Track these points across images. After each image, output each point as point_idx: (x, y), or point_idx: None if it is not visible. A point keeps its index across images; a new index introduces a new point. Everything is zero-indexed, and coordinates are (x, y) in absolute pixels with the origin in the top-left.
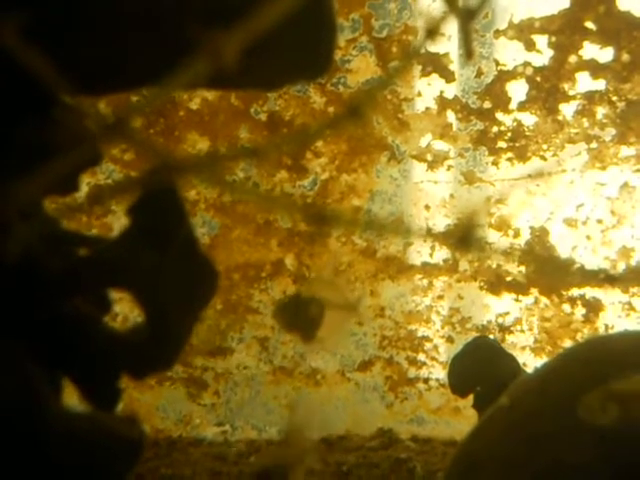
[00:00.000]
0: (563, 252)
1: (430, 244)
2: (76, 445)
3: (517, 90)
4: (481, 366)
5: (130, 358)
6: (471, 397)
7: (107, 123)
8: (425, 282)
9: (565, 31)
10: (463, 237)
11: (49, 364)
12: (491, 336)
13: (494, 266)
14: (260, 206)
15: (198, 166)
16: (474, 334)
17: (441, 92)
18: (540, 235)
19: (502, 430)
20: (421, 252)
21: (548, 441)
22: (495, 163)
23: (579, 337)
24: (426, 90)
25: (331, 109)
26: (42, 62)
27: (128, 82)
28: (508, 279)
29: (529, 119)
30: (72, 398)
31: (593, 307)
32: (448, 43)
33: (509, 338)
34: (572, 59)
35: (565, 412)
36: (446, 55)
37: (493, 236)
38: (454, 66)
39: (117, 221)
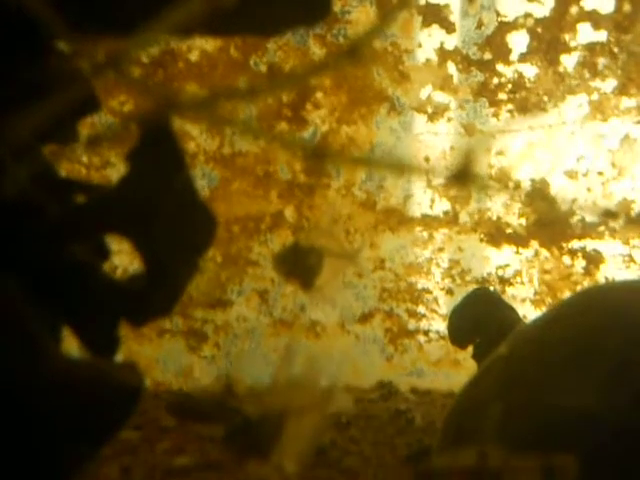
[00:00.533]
0: (563, 204)
1: (430, 196)
2: (75, 392)
3: (518, 41)
4: (480, 318)
5: (128, 305)
6: (471, 349)
7: (102, 63)
8: (425, 234)
9: None
10: (461, 173)
11: (48, 312)
12: (491, 288)
13: (494, 218)
14: (258, 140)
15: (196, 106)
16: (474, 286)
17: (441, 43)
18: (540, 187)
19: (500, 379)
20: (421, 204)
21: (547, 389)
22: (495, 115)
23: (579, 289)
24: (427, 41)
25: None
26: (39, 2)
27: (123, 24)
28: (508, 231)
29: (530, 70)
30: (72, 346)
31: (593, 259)
32: None
33: (509, 290)
34: (573, 10)
35: (564, 360)
36: (447, 6)
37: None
38: (455, 17)
39: (116, 173)
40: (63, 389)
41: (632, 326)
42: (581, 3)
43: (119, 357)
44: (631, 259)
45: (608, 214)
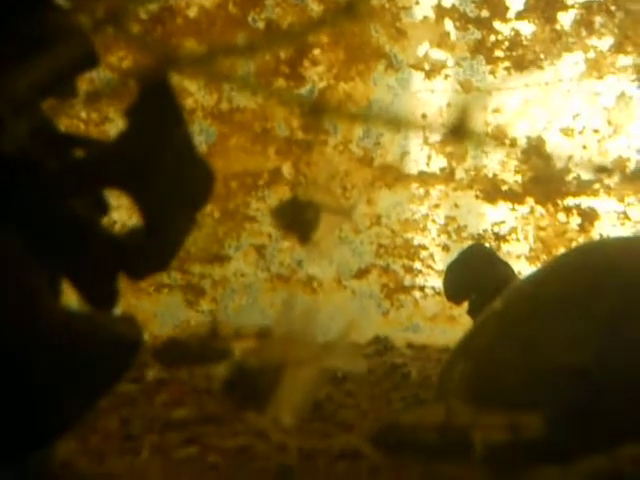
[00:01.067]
0: (559, 161)
1: (427, 152)
2: (74, 343)
3: None
4: (476, 273)
5: (127, 259)
6: (466, 304)
7: (101, 19)
8: (422, 191)
9: None
10: (456, 128)
11: (48, 265)
12: (487, 245)
13: (490, 175)
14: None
15: (194, 61)
16: (470, 243)
17: (439, 1)
18: (536, 144)
19: (495, 334)
20: (418, 161)
21: (541, 344)
22: (492, 72)
23: (574, 246)
24: None
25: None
26: None
27: None
28: (504, 188)
29: (527, 28)
30: (72, 300)
31: (588, 216)
32: None
33: (504, 247)
34: None
35: (559, 315)
36: None
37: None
38: None
39: (114, 129)
40: (62, 341)
41: (625, 282)
42: None
43: (118, 311)
44: (626, 216)
45: (603, 170)
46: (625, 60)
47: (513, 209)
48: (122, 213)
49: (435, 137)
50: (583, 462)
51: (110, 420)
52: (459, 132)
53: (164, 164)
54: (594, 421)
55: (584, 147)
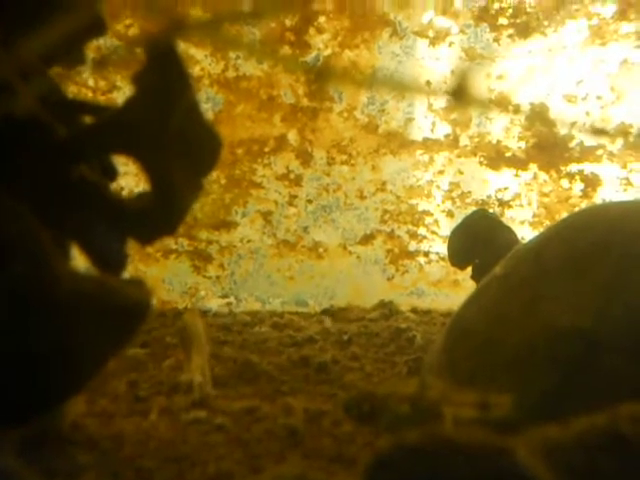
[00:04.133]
0: (563, 128)
1: (431, 119)
2: (85, 305)
3: None
4: (479, 238)
5: (135, 223)
6: (470, 269)
7: None
8: (426, 157)
9: None
10: (458, 88)
11: (57, 229)
12: (490, 210)
13: (494, 141)
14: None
15: (201, 28)
16: (474, 208)
17: None
18: (540, 111)
19: (497, 296)
20: (422, 127)
21: (543, 305)
22: (496, 39)
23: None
24: None
25: None
26: None
27: None
28: (508, 154)
29: None
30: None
31: (591, 182)
32: None
33: (508, 212)
34: None
35: (562, 277)
36: None
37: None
38: None
39: (122, 96)
40: (71, 303)
41: (627, 244)
42: None
43: (126, 275)
44: (628, 182)
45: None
46: (628, 27)
47: (517, 175)
48: (130, 180)
49: (439, 104)
50: (581, 420)
51: (119, 383)
52: (460, 96)
53: (171, 130)
54: (593, 381)
55: (587, 114)
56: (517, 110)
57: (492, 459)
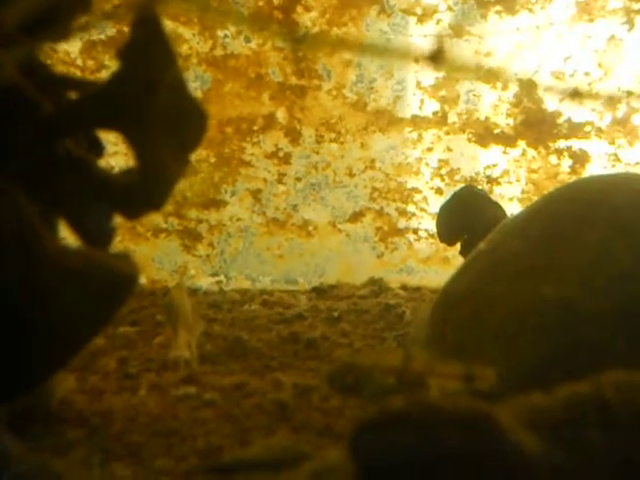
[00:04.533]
0: (551, 104)
1: (420, 96)
2: (71, 278)
3: None
4: (468, 214)
5: (122, 198)
6: (459, 245)
7: None
8: (415, 134)
9: None
10: (435, 54)
11: (45, 204)
12: (479, 187)
13: (482, 118)
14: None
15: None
16: (462, 185)
17: None
18: (528, 87)
19: (484, 269)
20: (411, 105)
21: (530, 277)
22: (484, 16)
23: None
24: None
25: None
26: None
27: None
28: (496, 131)
29: None
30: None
31: (579, 158)
32: None
33: (497, 189)
34: None
35: (547, 249)
36: None
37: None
38: None
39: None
40: (61, 275)
41: (612, 214)
42: None
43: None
44: (616, 158)
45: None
46: (615, 3)
47: (505, 152)
48: (119, 159)
49: (428, 81)
50: (565, 388)
51: (109, 360)
52: (439, 60)
53: (157, 104)
54: (578, 351)
55: (575, 90)
56: (505, 86)
57: (476, 425)
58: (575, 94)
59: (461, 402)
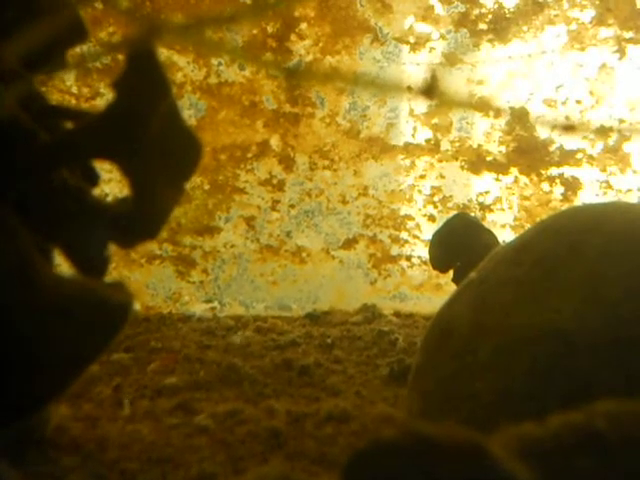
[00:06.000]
0: (543, 132)
1: (412, 124)
2: (66, 307)
3: None
4: (460, 242)
5: (117, 227)
6: (451, 272)
7: None
8: (408, 162)
9: None
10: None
11: (39, 233)
12: (471, 214)
13: (475, 146)
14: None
15: (181, 29)
16: (455, 212)
17: None
18: (520, 115)
19: (475, 298)
20: (404, 132)
21: (522, 306)
22: (476, 45)
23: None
24: None
25: None
26: None
27: None
28: (489, 158)
29: (510, 1)
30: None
31: (571, 185)
32: None
33: (489, 216)
34: None
35: (540, 278)
36: None
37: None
38: None
39: (106, 103)
40: (52, 304)
41: (605, 242)
42: None
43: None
44: (608, 185)
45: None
46: (606, 32)
47: (497, 179)
48: (113, 186)
49: (421, 109)
50: (557, 417)
51: (103, 387)
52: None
53: (151, 134)
54: (571, 382)
55: (567, 118)
56: (497, 114)
57: (469, 454)
58: (568, 128)
59: (454, 432)
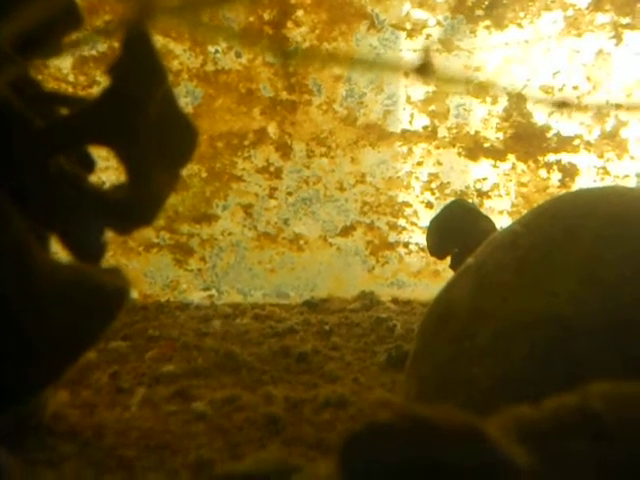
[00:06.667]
0: (540, 118)
1: (410, 111)
2: (62, 292)
3: None
4: (458, 228)
5: (113, 213)
6: (449, 259)
7: None
8: (405, 149)
9: None
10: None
11: (36, 219)
12: (469, 200)
13: (472, 132)
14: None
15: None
16: (452, 199)
17: None
18: (517, 101)
19: (473, 283)
20: (401, 119)
21: (520, 290)
22: (473, 31)
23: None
24: None
25: None
26: None
27: None
28: (486, 145)
29: None
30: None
31: (569, 172)
32: None
33: (487, 202)
34: None
35: (537, 263)
36: None
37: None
38: None
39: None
40: (49, 290)
41: (600, 226)
42: None
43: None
44: (605, 171)
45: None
46: (603, 18)
47: (495, 166)
48: (110, 174)
49: (418, 96)
50: (552, 399)
51: (101, 374)
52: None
53: (147, 120)
54: (568, 366)
55: (564, 103)
56: (495, 101)
57: (466, 436)
58: (563, 105)
59: (450, 414)
